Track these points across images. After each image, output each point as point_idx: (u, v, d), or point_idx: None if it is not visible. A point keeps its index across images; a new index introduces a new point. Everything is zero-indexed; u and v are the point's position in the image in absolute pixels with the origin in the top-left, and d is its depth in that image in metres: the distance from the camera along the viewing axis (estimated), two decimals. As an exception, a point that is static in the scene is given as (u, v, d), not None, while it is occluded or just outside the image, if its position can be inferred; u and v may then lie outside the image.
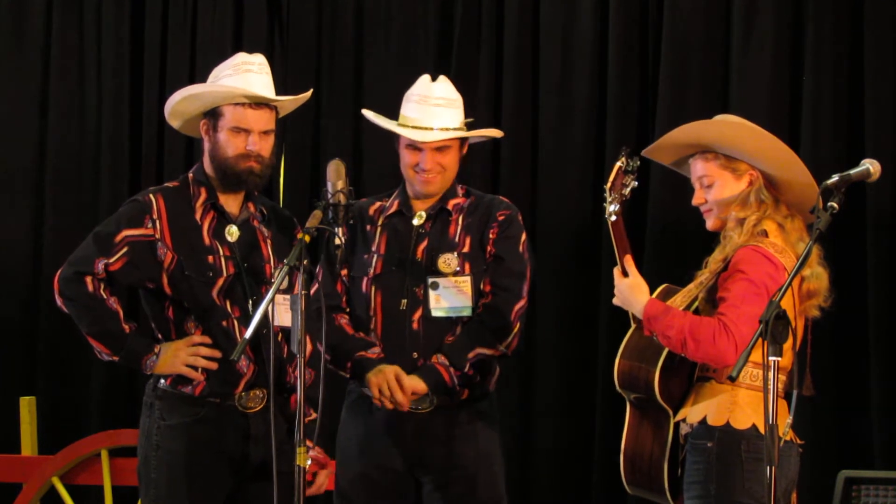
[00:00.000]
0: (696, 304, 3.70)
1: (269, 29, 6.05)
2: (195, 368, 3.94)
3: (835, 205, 3.32)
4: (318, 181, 5.82)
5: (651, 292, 3.73)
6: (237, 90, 3.95)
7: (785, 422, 3.35)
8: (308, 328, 3.65)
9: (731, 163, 3.74)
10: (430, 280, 4.12)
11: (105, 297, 3.93)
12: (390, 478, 4.12)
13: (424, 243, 4.16)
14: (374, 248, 4.18)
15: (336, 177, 3.84)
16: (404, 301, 4.12)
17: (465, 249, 4.15)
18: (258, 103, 3.97)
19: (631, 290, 3.70)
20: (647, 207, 5.46)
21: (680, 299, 3.71)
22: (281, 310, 3.86)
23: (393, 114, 4.28)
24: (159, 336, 4.01)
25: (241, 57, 4.04)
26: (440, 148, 4.13)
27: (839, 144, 5.29)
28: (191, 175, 4.08)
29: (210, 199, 4.02)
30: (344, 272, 4.19)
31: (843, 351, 5.21)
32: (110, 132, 6.16)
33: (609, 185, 3.67)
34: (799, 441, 3.73)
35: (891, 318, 5.19)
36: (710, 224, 3.79)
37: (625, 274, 3.71)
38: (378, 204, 4.26)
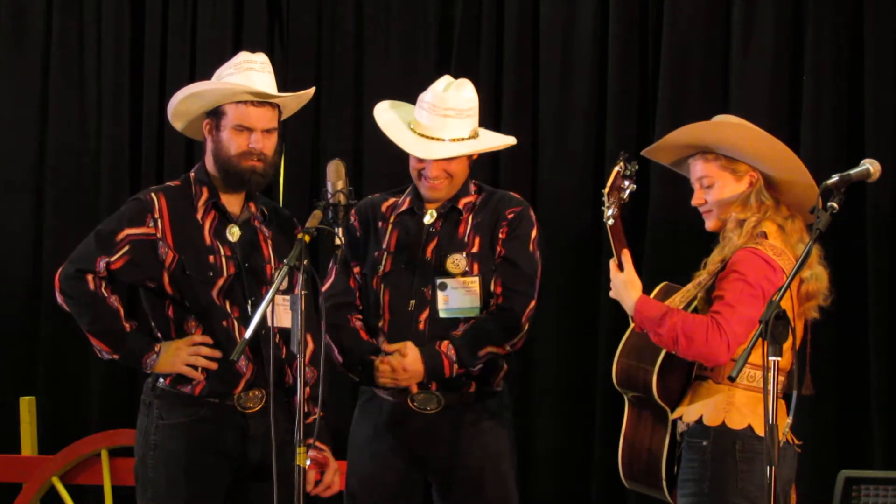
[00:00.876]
0: (695, 303, 3.70)
1: (269, 29, 6.05)
2: (195, 368, 3.94)
3: (835, 205, 3.32)
4: (318, 181, 5.82)
5: (650, 290, 3.73)
6: (239, 87, 3.95)
7: (785, 422, 3.35)
8: (314, 329, 3.65)
9: (732, 164, 3.74)
10: (439, 281, 4.12)
11: (106, 295, 3.93)
12: (399, 477, 4.13)
13: (434, 243, 4.16)
14: (384, 246, 4.18)
15: (336, 177, 3.84)
16: (412, 301, 4.12)
17: (474, 249, 4.15)
18: (261, 101, 3.97)
19: (624, 285, 3.71)
20: (648, 207, 5.46)
21: (678, 299, 3.71)
22: (280, 310, 3.86)
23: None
24: (159, 335, 4.01)
25: (244, 55, 4.04)
26: (447, 159, 4.12)
27: (839, 144, 5.29)
28: (192, 174, 4.08)
29: (212, 199, 4.02)
30: (356, 269, 4.19)
31: (843, 351, 5.21)
32: (110, 132, 6.16)
33: (607, 189, 3.68)
34: (796, 441, 3.73)
35: (891, 319, 5.19)
36: (710, 225, 3.79)
37: (621, 268, 3.71)
38: (391, 200, 4.25)
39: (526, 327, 4.13)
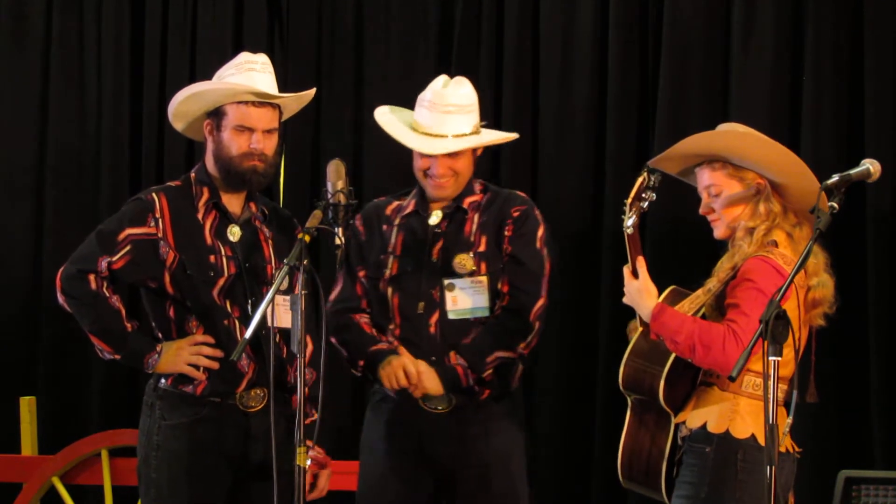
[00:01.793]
0: (703, 310, 3.69)
1: (269, 29, 6.05)
2: (197, 368, 3.94)
3: (835, 205, 3.32)
4: (318, 181, 5.82)
5: (658, 295, 3.72)
6: (240, 87, 3.95)
7: (785, 422, 3.35)
8: (313, 329, 3.65)
9: (739, 171, 3.73)
10: (446, 282, 4.11)
11: (107, 295, 3.94)
12: (409, 477, 4.12)
13: (440, 244, 4.15)
14: (390, 249, 4.17)
15: (336, 177, 3.84)
16: (421, 304, 4.12)
17: (481, 249, 4.14)
18: (262, 102, 3.98)
19: (640, 293, 3.68)
20: (648, 210, 5.45)
21: (687, 305, 3.71)
22: (280, 311, 3.86)
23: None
24: (160, 335, 4.02)
25: (245, 56, 4.04)
26: (452, 154, 4.12)
27: (839, 144, 5.28)
28: (193, 175, 4.08)
29: (212, 199, 4.02)
30: (362, 273, 4.19)
31: (843, 351, 5.20)
32: (110, 132, 6.15)
33: (630, 199, 3.66)
34: (796, 448, 3.73)
35: (891, 319, 5.19)
36: (719, 233, 3.78)
37: (635, 275, 3.69)
38: (396, 203, 4.24)
39: (537, 326, 4.11)
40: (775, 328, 3.21)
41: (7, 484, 5.53)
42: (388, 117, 4.21)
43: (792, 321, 3.28)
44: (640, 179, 3.67)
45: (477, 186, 4.22)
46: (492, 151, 5.67)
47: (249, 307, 3.97)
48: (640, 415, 3.79)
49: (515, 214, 4.16)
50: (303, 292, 3.62)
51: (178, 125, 4.13)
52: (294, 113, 4.20)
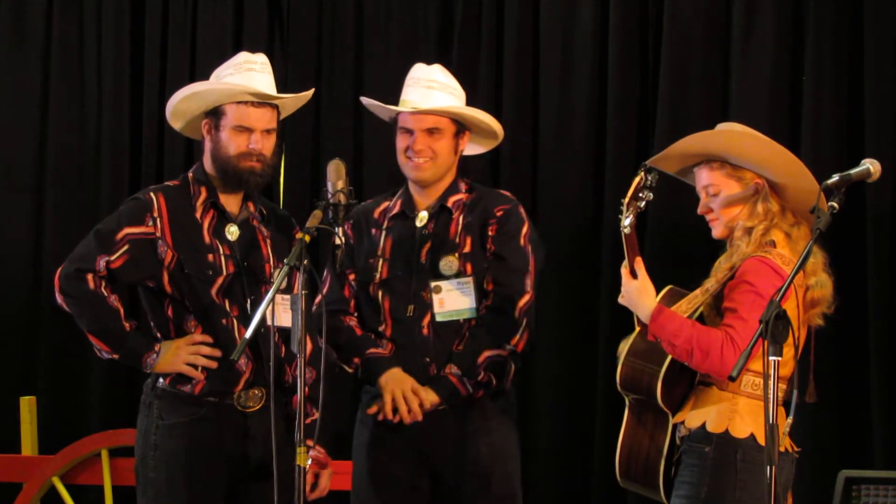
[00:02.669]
0: (701, 309, 3.69)
1: (269, 29, 6.05)
2: (196, 367, 3.94)
3: (835, 204, 3.32)
4: (318, 181, 5.82)
5: (656, 295, 3.72)
6: (240, 87, 3.95)
7: (786, 422, 3.35)
8: (313, 329, 3.64)
9: (737, 171, 3.72)
10: (433, 284, 4.12)
11: (106, 294, 3.93)
12: (404, 476, 4.12)
13: (427, 245, 4.16)
14: (379, 253, 4.18)
15: (336, 177, 3.84)
16: (411, 307, 4.12)
17: (466, 249, 4.14)
18: (261, 102, 3.98)
19: (639, 293, 3.67)
20: (647, 210, 5.45)
21: (685, 305, 3.70)
22: (280, 310, 3.86)
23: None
24: (158, 335, 4.01)
25: (244, 56, 4.04)
26: (431, 131, 4.13)
27: (839, 144, 5.28)
28: (190, 174, 4.08)
29: (210, 198, 4.02)
30: (351, 276, 4.19)
31: (843, 351, 5.21)
32: (110, 132, 6.16)
33: (627, 199, 3.66)
34: (796, 448, 3.73)
35: (891, 319, 5.19)
36: (717, 233, 3.78)
37: (633, 276, 3.69)
38: (382, 206, 4.26)
39: (524, 322, 4.12)
40: (775, 328, 3.21)
41: (7, 484, 5.53)
42: (374, 101, 4.26)
43: (791, 321, 3.27)
44: (636, 179, 3.67)
45: (462, 186, 4.23)
46: (492, 151, 5.66)
47: (248, 306, 3.97)
48: (639, 414, 3.79)
49: (499, 214, 4.17)
50: (303, 292, 3.62)
51: (176, 124, 4.13)
52: (292, 112, 4.20)
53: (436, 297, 4.11)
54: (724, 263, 3.70)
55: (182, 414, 3.95)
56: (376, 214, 4.24)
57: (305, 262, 3.62)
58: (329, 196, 3.80)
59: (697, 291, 3.73)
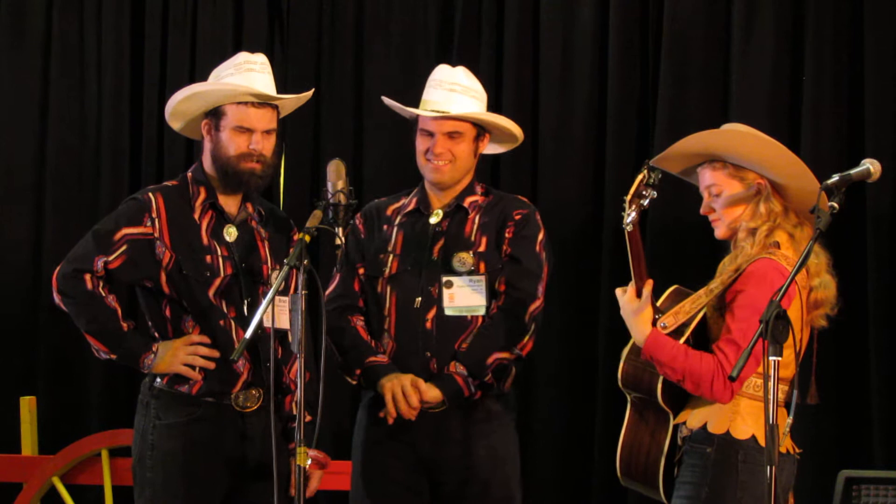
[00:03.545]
0: (704, 309, 3.69)
1: (269, 29, 6.05)
2: (193, 368, 3.94)
3: (835, 204, 3.31)
4: (318, 181, 5.82)
5: (661, 294, 3.71)
6: (240, 88, 3.95)
7: (786, 422, 3.35)
8: (316, 330, 3.64)
9: (740, 171, 3.72)
10: (445, 279, 4.11)
11: (104, 294, 3.93)
12: (404, 477, 4.11)
13: (441, 242, 4.15)
14: (390, 248, 4.17)
15: (336, 177, 3.84)
16: (418, 299, 4.11)
17: (481, 248, 4.14)
18: (261, 102, 3.98)
19: (636, 316, 3.62)
20: (650, 209, 5.45)
21: (689, 305, 3.69)
22: (278, 311, 3.86)
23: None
24: (156, 335, 4.01)
25: (243, 56, 4.04)
26: (452, 135, 4.13)
27: (839, 144, 5.28)
28: (189, 174, 4.08)
29: (209, 199, 4.02)
30: (361, 270, 4.19)
31: (843, 351, 5.21)
32: (110, 132, 6.16)
33: (629, 196, 3.65)
34: (797, 449, 3.73)
35: (891, 319, 5.19)
36: (720, 233, 3.77)
37: (638, 294, 3.66)
38: (396, 203, 4.25)
39: (532, 328, 4.11)
40: (775, 328, 3.21)
41: (7, 484, 5.54)
42: (394, 103, 4.25)
43: (794, 322, 3.27)
44: (639, 176, 3.66)
45: (478, 188, 4.23)
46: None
47: (246, 307, 3.97)
48: (640, 414, 3.79)
49: (517, 217, 4.17)
50: (303, 292, 3.62)
51: (176, 124, 4.12)
52: (291, 111, 4.20)
53: (446, 292, 4.10)
54: (730, 265, 3.69)
55: (179, 414, 3.95)
56: (389, 211, 4.24)
57: (306, 262, 3.62)
58: (329, 196, 3.80)
59: (701, 291, 3.71)
